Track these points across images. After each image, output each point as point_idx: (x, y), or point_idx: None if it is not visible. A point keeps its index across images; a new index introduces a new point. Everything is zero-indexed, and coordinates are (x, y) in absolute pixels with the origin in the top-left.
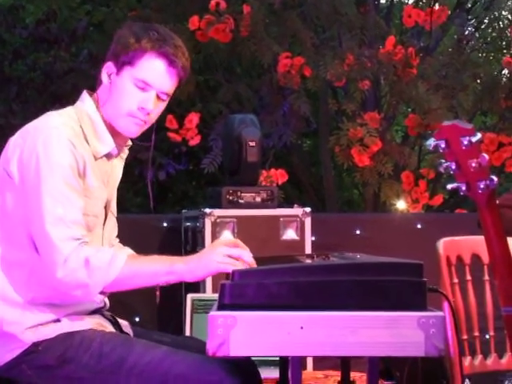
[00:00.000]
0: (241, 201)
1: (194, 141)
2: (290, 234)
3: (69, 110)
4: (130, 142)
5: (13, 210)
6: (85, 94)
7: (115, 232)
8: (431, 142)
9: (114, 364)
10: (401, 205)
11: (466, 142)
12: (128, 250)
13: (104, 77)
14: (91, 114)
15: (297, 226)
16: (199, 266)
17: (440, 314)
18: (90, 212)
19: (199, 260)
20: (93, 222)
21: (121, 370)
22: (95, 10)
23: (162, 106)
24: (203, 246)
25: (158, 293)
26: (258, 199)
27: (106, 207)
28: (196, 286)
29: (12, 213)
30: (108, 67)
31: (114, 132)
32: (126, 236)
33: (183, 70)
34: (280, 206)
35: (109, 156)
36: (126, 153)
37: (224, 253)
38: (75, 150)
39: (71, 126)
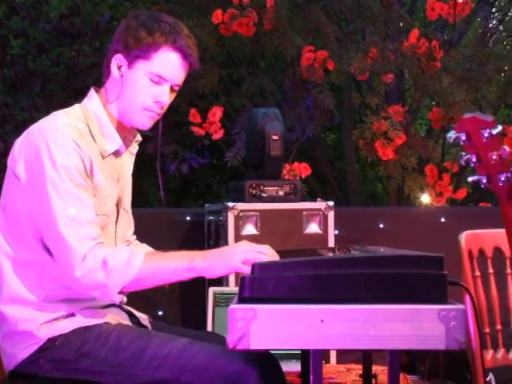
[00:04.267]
0: (264, 194)
1: (218, 134)
2: (313, 228)
3: (76, 108)
4: (139, 137)
5: (21, 211)
6: (92, 92)
7: (130, 229)
8: (452, 135)
9: (132, 357)
10: (425, 198)
11: (486, 135)
12: (145, 247)
13: (114, 69)
14: (98, 112)
15: (320, 220)
16: (219, 264)
17: (460, 306)
18: (100, 211)
19: (219, 258)
20: (104, 220)
21: (139, 362)
22: (118, 4)
23: (174, 96)
24: (226, 240)
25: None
26: (281, 193)
27: (117, 205)
28: (219, 280)
29: (20, 214)
30: (118, 59)
31: (122, 127)
32: (148, 230)
33: (196, 61)
34: (303, 199)
35: (117, 153)
36: (135, 148)
37: (245, 250)
38: (80, 151)
39: (76, 126)
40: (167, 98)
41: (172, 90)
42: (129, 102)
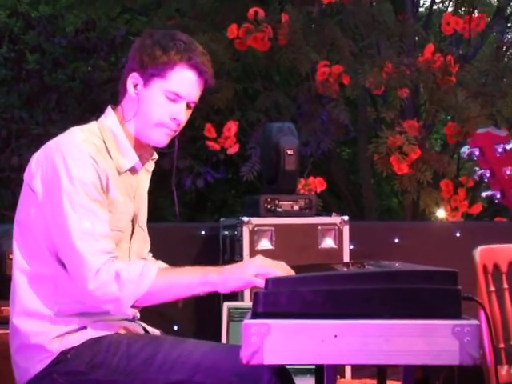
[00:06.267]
0: (279, 209)
1: (233, 149)
2: (328, 243)
3: (92, 125)
4: (155, 156)
5: (36, 225)
6: (109, 109)
7: (146, 246)
8: (465, 150)
9: (143, 363)
10: (440, 213)
11: (500, 150)
12: (161, 264)
13: (130, 88)
14: (114, 129)
15: (335, 235)
16: (233, 277)
17: (475, 322)
18: (115, 227)
19: (233, 272)
20: (118, 236)
21: (151, 367)
22: (134, 19)
23: (190, 113)
24: (241, 255)
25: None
26: (296, 207)
27: (132, 221)
28: (234, 295)
29: (35, 228)
30: (134, 78)
31: (138, 145)
32: (163, 244)
33: (211, 78)
34: (318, 214)
35: (133, 170)
36: (151, 165)
37: (258, 264)
38: (97, 166)
39: (93, 142)
40: (183, 116)
41: (188, 107)
42: (145, 119)
